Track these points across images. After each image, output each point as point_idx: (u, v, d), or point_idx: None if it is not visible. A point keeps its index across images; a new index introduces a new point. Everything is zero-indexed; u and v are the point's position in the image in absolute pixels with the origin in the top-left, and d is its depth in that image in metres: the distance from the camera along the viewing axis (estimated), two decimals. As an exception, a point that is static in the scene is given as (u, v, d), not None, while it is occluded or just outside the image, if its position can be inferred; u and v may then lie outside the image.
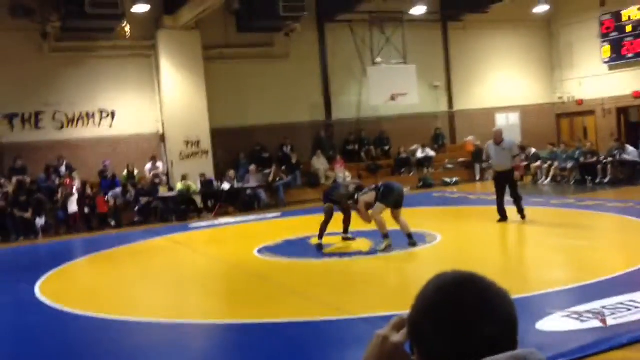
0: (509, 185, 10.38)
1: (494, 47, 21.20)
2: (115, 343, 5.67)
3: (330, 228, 9.65)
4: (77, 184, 14.99)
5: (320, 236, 9.42)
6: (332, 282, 7.53)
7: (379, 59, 18.51)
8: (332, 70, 18.97)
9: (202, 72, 16.63)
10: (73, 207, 14.49)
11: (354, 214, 9.54)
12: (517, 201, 10.38)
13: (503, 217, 10.46)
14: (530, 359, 0.98)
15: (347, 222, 9.77)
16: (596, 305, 5.27)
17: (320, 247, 9.31)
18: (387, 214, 8.94)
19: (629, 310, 5.09)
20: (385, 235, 8.73)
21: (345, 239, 9.84)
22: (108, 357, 5.28)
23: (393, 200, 8.83)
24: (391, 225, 8.94)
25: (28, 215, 13.92)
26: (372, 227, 9.22)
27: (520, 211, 10.32)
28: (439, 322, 1.04)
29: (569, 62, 21.27)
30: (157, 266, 9.76)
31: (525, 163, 10.85)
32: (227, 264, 9.28)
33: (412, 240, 8.82)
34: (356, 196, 9.34)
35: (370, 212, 8.91)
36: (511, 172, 10.30)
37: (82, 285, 8.90)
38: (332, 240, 9.78)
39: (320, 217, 9.62)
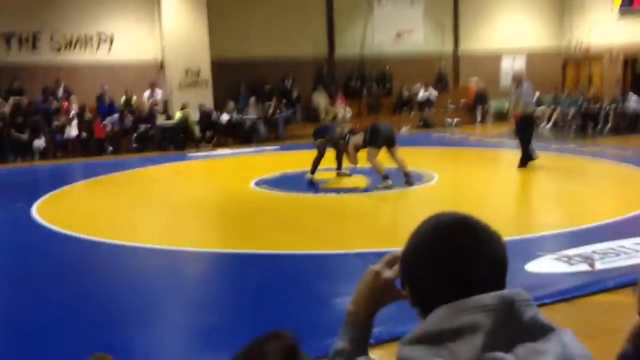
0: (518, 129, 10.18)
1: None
2: (109, 265, 5.78)
3: (325, 164, 9.70)
4: (75, 108, 14.89)
5: (313, 171, 9.57)
6: (328, 217, 7.60)
7: (386, -5, 18.05)
8: (337, 5, 18.52)
9: (204, 0, 16.21)
10: (72, 131, 14.44)
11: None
12: (521, 148, 10.20)
13: (521, 161, 10.16)
14: (516, 298, 1.00)
15: (339, 158, 9.84)
16: (586, 249, 5.36)
17: (312, 182, 9.44)
18: (385, 156, 8.96)
19: (618, 255, 5.18)
20: (385, 177, 8.77)
21: (340, 174, 9.91)
22: (101, 278, 5.38)
23: (381, 140, 8.85)
24: (390, 164, 8.98)
25: (25, 137, 13.89)
26: (367, 165, 9.25)
27: (521, 158, 10.14)
28: (431, 260, 1.05)
29: (579, 8, 20.77)
30: (154, 194, 9.82)
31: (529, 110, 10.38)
32: (224, 195, 9.34)
33: (409, 179, 8.88)
34: (347, 137, 9.36)
35: (367, 157, 8.94)
36: (520, 117, 10.03)
37: (78, 209, 8.97)
38: (328, 176, 9.83)
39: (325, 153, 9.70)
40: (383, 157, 9.02)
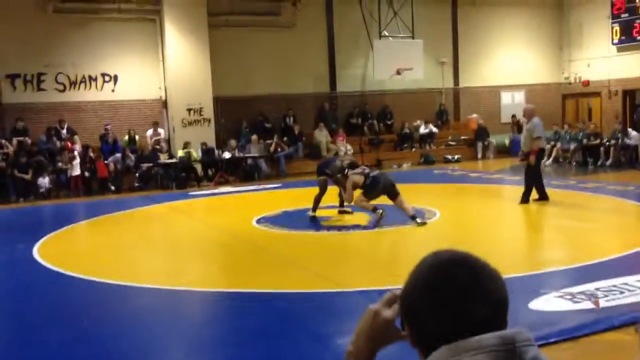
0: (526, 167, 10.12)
1: (503, 25, 20.98)
2: (110, 306, 5.73)
3: (327, 201, 9.70)
4: (78, 148, 15.00)
5: (314, 209, 9.55)
6: (329, 255, 7.57)
7: (385, 33, 18.34)
8: (338, 42, 18.80)
9: (206, 39, 16.48)
10: (75, 170, 14.52)
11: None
12: (525, 182, 10.15)
13: (540, 196, 10.08)
14: (517, 338, 0.99)
15: (342, 195, 9.82)
16: (590, 287, 5.31)
17: (314, 219, 9.42)
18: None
19: (622, 293, 5.13)
20: (374, 209, 8.73)
21: (341, 212, 9.89)
22: (104, 319, 5.33)
23: (376, 194, 8.82)
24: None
25: (28, 176, 13.96)
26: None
27: (524, 194, 10.08)
28: (431, 300, 1.04)
29: (577, 43, 21.06)
30: (156, 233, 9.81)
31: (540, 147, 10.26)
32: (225, 233, 9.32)
33: (415, 220, 8.67)
34: (346, 171, 9.33)
35: (356, 196, 8.94)
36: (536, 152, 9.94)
37: (81, 249, 8.96)
38: (330, 213, 9.82)
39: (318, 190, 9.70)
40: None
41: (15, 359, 4.46)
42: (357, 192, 9.02)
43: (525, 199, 10.10)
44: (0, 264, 7.74)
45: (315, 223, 9.33)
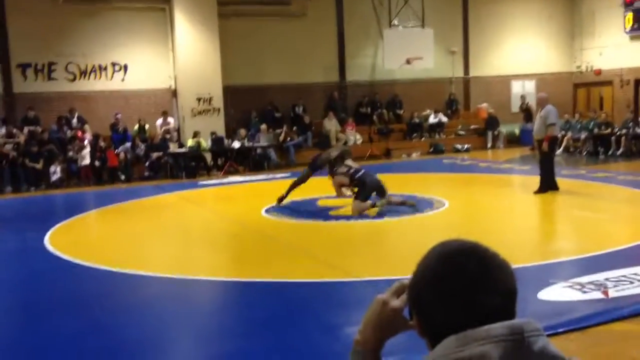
0: (540, 155, 10.09)
1: (514, 14, 20.79)
2: (121, 294, 5.78)
3: (332, 191, 9.69)
4: (88, 137, 15.07)
5: (286, 194, 9.81)
6: (338, 244, 7.58)
7: (396, 22, 18.24)
8: (348, 31, 18.72)
9: (216, 29, 16.46)
10: (85, 159, 14.59)
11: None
12: (541, 171, 10.09)
13: (550, 186, 10.03)
14: (526, 328, 0.99)
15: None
16: (599, 277, 5.29)
17: (279, 201, 9.74)
18: None
19: (632, 283, 5.11)
20: (373, 206, 8.89)
21: (339, 198, 9.88)
22: (115, 308, 5.38)
23: (368, 193, 8.94)
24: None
25: (39, 165, 14.05)
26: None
27: (541, 182, 10.01)
28: (439, 290, 1.04)
29: (589, 31, 20.84)
30: (166, 222, 9.86)
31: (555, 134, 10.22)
32: (235, 222, 9.35)
33: (407, 204, 9.04)
34: (335, 168, 9.40)
35: (353, 202, 9.00)
36: (549, 139, 9.86)
37: (91, 238, 9.03)
38: (337, 203, 9.81)
39: (325, 180, 9.69)
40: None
41: (27, 348, 4.51)
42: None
43: (541, 189, 10.01)
44: (12, 253, 7.82)
45: (323, 213, 9.30)
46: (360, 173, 9.19)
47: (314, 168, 9.92)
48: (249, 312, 5.10)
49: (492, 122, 19.14)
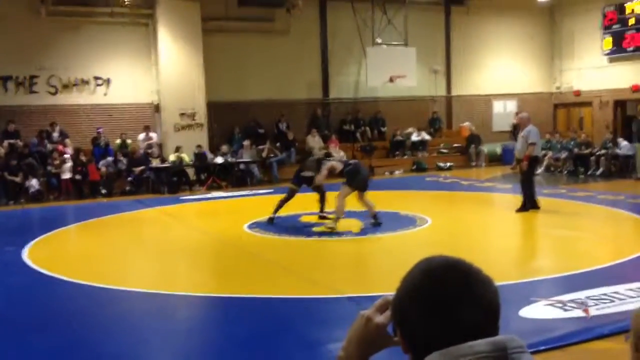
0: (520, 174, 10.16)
1: (496, 34, 21.10)
2: (100, 310, 5.69)
3: (314, 207, 9.69)
4: (69, 151, 14.93)
5: (275, 211, 9.72)
6: (320, 261, 7.56)
7: (379, 40, 18.40)
8: (331, 48, 18.85)
9: (200, 44, 16.47)
10: (66, 173, 14.44)
11: (328, 194, 9.62)
12: (523, 190, 10.15)
13: (531, 205, 10.07)
14: (509, 345, 0.99)
15: (322, 201, 9.84)
16: (580, 295, 5.33)
17: (271, 221, 9.61)
18: (352, 198, 9.08)
19: (612, 301, 5.15)
20: (337, 219, 8.89)
21: (322, 217, 9.85)
22: (93, 323, 5.29)
23: (357, 183, 8.94)
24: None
25: (18, 179, 13.87)
26: (362, 208, 9.27)
27: (524, 201, 10.08)
28: (423, 306, 1.04)
29: (569, 52, 21.21)
30: (146, 237, 9.76)
31: (534, 154, 10.25)
32: (217, 238, 9.29)
33: (376, 220, 9.06)
34: (324, 161, 9.44)
35: (339, 194, 8.97)
36: (528, 159, 9.93)
37: (70, 252, 8.91)
38: (319, 220, 9.80)
39: (310, 196, 9.68)
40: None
41: (3, 363, 4.42)
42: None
43: (523, 207, 10.08)
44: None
45: (305, 229, 9.29)
46: (354, 162, 9.40)
47: (299, 181, 9.86)
48: (230, 329, 5.05)
49: (474, 140, 19.31)
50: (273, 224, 9.53)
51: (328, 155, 9.72)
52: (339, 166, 9.13)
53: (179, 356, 4.57)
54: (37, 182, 14.07)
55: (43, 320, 5.38)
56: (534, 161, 10.35)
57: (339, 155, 17.27)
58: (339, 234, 8.86)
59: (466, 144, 19.43)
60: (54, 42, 15.73)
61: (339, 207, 8.86)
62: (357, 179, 8.92)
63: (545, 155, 17.05)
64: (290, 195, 9.77)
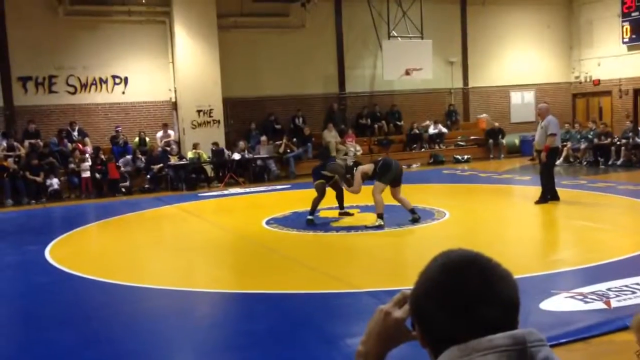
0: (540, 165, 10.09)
1: (513, 24, 20.89)
2: (122, 307, 5.76)
3: (333, 202, 9.64)
4: (89, 149, 15.10)
5: (312, 212, 9.37)
6: (339, 255, 7.57)
7: (394, 33, 18.32)
8: (347, 42, 18.80)
9: (216, 41, 16.53)
10: (86, 172, 14.61)
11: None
12: (542, 181, 10.08)
13: (551, 196, 10.00)
14: (529, 338, 0.99)
15: (340, 198, 9.73)
16: (601, 287, 5.28)
17: (312, 222, 9.25)
18: (387, 194, 8.92)
19: (634, 293, 5.10)
20: (380, 216, 8.73)
21: (342, 214, 9.81)
22: (114, 321, 5.36)
23: (391, 177, 8.79)
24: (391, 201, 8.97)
25: (39, 178, 14.05)
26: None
27: (542, 192, 10.00)
28: (441, 300, 1.04)
29: (588, 41, 20.94)
30: (166, 234, 9.85)
31: (555, 145, 10.13)
32: (235, 234, 9.34)
33: (415, 215, 8.88)
34: (355, 170, 9.29)
35: (373, 190, 8.84)
36: (548, 149, 9.86)
37: (92, 250, 9.01)
38: (332, 215, 9.79)
39: (329, 191, 9.65)
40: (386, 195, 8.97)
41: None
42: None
43: (542, 199, 10.00)
44: (12, 266, 7.80)
45: (323, 224, 9.30)
46: (383, 158, 9.28)
47: (323, 176, 9.43)
48: (250, 324, 5.08)
49: (492, 133, 19.15)
50: (314, 224, 9.19)
51: (357, 164, 9.55)
52: (370, 169, 8.99)
53: (198, 352, 4.61)
54: (57, 181, 14.25)
55: (64, 318, 5.46)
56: (554, 152, 10.25)
57: (354, 149, 17.32)
58: (356, 228, 8.86)
59: (484, 136, 19.28)
60: (72, 42, 15.89)
61: (378, 203, 8.74)
62: (389, 173, 8.80)
63: (564, 145, 16.88)
64: (322, 193, 9.39)
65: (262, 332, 4.80)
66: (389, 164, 8.91)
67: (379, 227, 8.64)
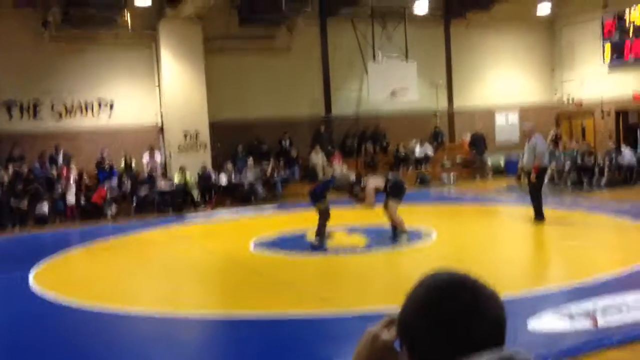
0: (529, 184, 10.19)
1: (496, 46, 21.19)
2: (108, 334, 5.68)
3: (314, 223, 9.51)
4: (74, 174, 14.97)
5: (320, 237, 9.06)
6: (327, 277, 7.55)
7: (380, 55, 18.50)
8: (333, 65, 18.94)
9: (202, 64, 16.59)
10: (71, 197, 14.48)
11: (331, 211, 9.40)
12: (532, 202, 10.15)
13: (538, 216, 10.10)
14: (516, 357, 1.00)
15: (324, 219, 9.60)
16: (588, 305, 5.31)
17: (321, 247, 8.95)
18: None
19: (620, 311, 5.13)
20: (404, 231, 8.90)
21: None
22: (100, 348, 5.29)
23: (402, 197, 9.02)
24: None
25: (24, 204, 13.89)
26: (367, 222, 9.25)
27: (535, 211, 10.09)
28: (429, 321, 1.05)
29: (569, 63, 21.27)
30: (153, 258, 9.76)
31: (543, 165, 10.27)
32: (223, 257, 9.29)
33: (397, 235, 8.98)
34: (362, 183, 9.16)
35: (390, 213, 8.96)
36: (537, 169, 9.99)
37: (77, 275, 8.90)
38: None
39: (312, 214, 9.50)
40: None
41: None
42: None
43: (538, 217, 10.06)
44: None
45: (316, 250, 9.05)
46: (394, 176, 9.56)
47: (323, 196, 9.11)
48: (238, 348, 5.04)
49: (479, 140, 19.28)
50: (323, 248, 8.89)
51: (359, 178, 9.59)
52: (382, 183, 9.01)
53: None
54: (46, 206, 14.08)
55: (50, 345, 5.38)
56: (543, 172, 10.36)
57: (341, 170, 17.34)
58: (344, 250, 8.84)
59: (469, 145, 19.40)
60: (57, 66, 15.85)
61: (399, 222, 8.92)
62: (402, 193, 9.04)
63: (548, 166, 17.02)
64: (327, 215, 9.05)
65: (251, 357, 4.75)
66: (400, 186, 9.14)
67: (407, 240, 8.85)
